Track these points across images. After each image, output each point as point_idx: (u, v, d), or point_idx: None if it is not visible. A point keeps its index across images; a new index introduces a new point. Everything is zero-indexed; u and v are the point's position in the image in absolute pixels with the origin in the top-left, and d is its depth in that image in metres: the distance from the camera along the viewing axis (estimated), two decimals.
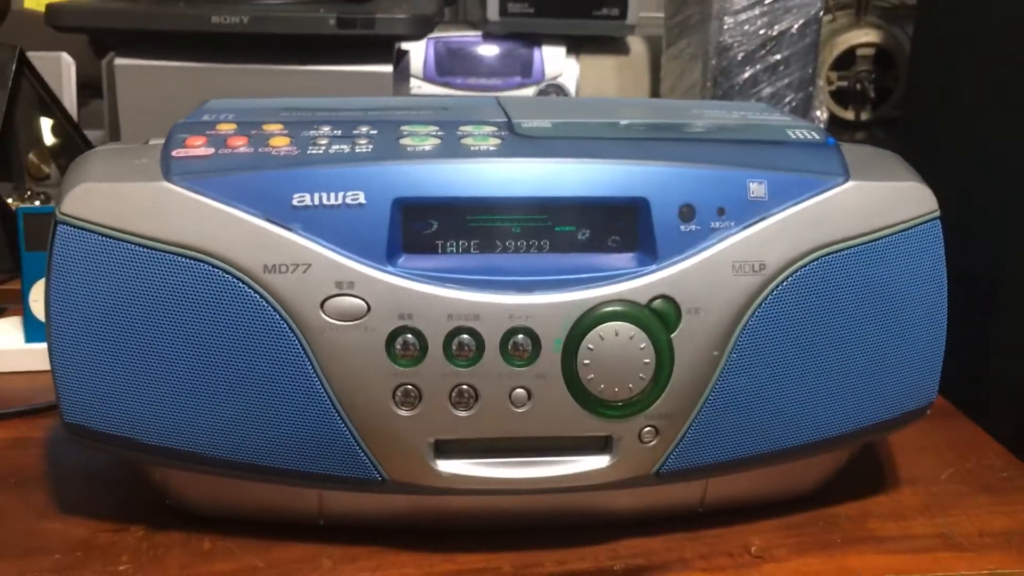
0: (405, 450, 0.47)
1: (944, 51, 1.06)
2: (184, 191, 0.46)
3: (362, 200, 0.46)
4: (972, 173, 0.95)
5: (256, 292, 0.45)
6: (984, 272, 0.74)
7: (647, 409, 0.47)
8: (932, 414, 0.53)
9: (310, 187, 0.46)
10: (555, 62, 1.32)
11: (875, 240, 0.49)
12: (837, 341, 0.49)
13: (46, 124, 0.99)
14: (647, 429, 0.47)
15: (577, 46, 1.36)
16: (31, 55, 0.95)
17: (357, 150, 0.47)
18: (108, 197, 0.46)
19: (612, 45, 1.37)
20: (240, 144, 0.48)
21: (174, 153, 0.47)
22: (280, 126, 0.49)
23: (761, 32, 1.11)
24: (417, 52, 1.30)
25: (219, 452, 0.47)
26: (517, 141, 0.49)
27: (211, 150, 0.47)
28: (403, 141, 0.48)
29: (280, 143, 0.48)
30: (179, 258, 0.45)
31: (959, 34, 1.04)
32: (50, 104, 0.99)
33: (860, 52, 1.35)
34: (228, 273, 0.45)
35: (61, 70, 1.08)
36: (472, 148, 0.48)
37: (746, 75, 1.12)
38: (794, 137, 0.52)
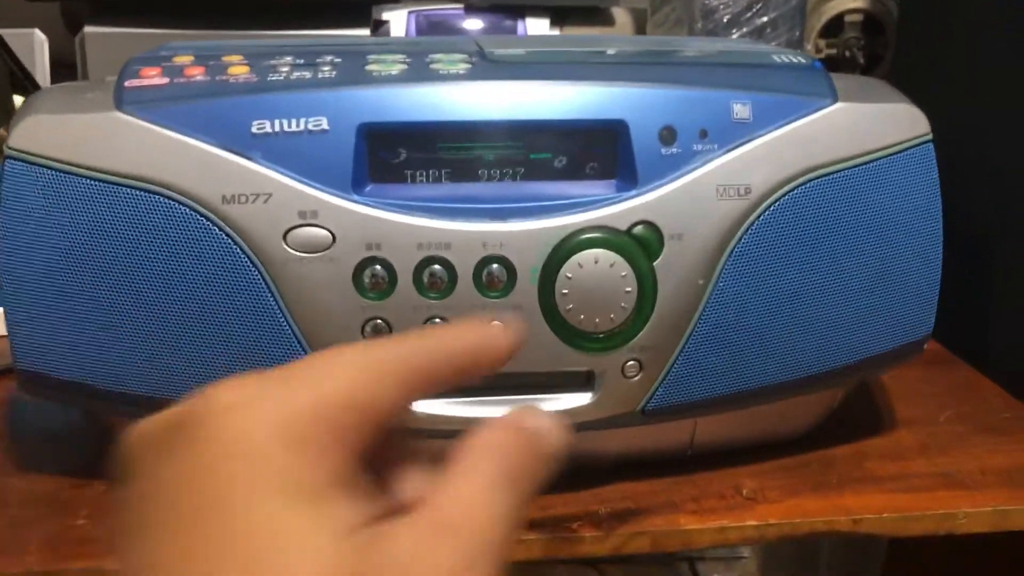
0: None
1: (932, 15, 1.04)
2: (137, 120, 0.43)
3: (325, 126, 0.43)
4: (963, 137, 0.93)
5: (215, 224, 0.43)
6: (977, 232, 0.73)
7: (630, 341, 0.45)
8: (930, 361, 0.51)
9: (270, 114, 0.43)
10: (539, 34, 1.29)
11: (866, 163, 0.47)
12: (828, 268, 0.46)
13: (19, 101, 0.96)
14: (631, 363, 0.45)
15: (561, 18, 1.33)
16: (3, 32, 0.93)
17: (320, 76, 0.45)
18: (58, 129, 0.43)
19: (597, 16, 1.34)
20: (197, 73, 0.45)
21: (127, 84, 0.45)
22: (240, 57, 0.47)
23: None
24: (398, 26, 1.28)
25: (179, 396, 0.44)
26: (489, 66, 0.47)
27: (166, 79, 0.45)
28: (369, 68, 0.46)
29: (239, 71, 0.45)
30: (133, 190, 0.43)
31: None
32: (23, 80, 0.96)
33: (848, 19, 1.33)
34: (184, 205, 0.43)
35: (34, 46, 1.06)
36: (441, 72, 0.46)
37: (732, 38, 1.10)
38: (779, 61, 0.49)
